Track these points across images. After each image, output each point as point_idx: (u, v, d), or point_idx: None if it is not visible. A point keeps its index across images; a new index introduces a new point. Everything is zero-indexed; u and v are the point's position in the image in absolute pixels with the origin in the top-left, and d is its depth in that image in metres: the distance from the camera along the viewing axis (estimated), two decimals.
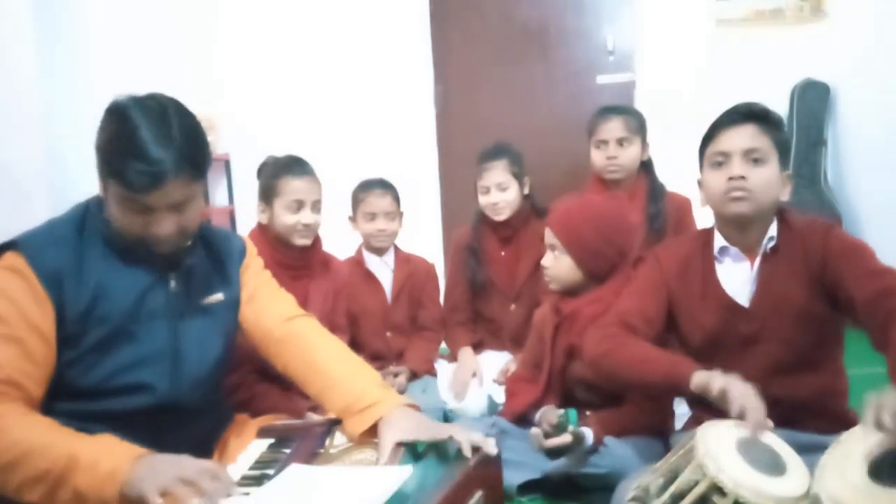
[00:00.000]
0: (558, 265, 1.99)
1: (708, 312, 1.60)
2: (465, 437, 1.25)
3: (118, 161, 1.23)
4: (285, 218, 2.13)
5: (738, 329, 1.58)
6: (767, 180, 1.55)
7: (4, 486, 1.17)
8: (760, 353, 1.56)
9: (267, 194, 2.18)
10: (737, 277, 1.60)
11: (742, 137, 1.56)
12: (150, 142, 1.22)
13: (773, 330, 1.55)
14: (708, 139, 1.62)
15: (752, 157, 1.55)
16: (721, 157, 1.58)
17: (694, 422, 1.61)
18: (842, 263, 1.50)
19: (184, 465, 1.14)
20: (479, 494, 1.16)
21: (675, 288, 1.66)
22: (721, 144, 1.58)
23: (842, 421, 1.55)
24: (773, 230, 1.59)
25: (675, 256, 1.69)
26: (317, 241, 2.24)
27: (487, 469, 1.24)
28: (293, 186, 2.13)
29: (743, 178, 1.53)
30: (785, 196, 1.59)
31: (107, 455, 1.14)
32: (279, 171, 2.18)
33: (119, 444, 1.18)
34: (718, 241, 1.63)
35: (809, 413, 1.54)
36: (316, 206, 2.17)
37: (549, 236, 2.01)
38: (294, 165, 2.19)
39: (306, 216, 2.14)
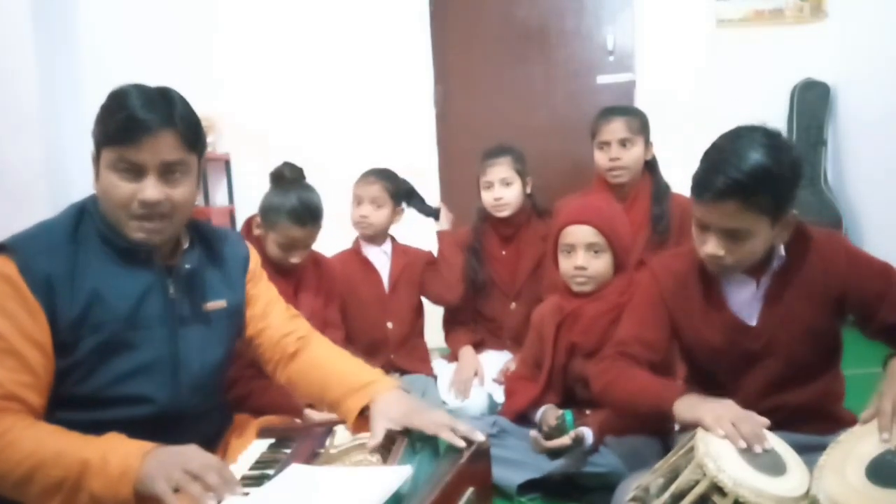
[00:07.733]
0: (601, 263, 1.97)
1: (713, 330, 1.55)
2: (450, 433, 1.23)
3: (109, 121, 1.23)
4: (275, 251, 2.10)
5: (744, 346, 1.54)
6: (751, 252, 1.44)
7: (24, 498, 1.16)
8: (763, 367, 1.53)
9: (266, 219, 2.10)
10: (742, 296, 1.54)
11: (722, 216, 1.40)
12: (143, 97, 1.24)
13: (779, 347, 1.52)
14: (692, 193, 1.46)
15: (733, 237, 1.42)
16: (702, 225, 1.46)
17: None
18: (868, 287, 1.46)
19: (189, 456, 1.13)
20: (470, 491, 1.15)
21: (673, 305, 1.60)
22: (702, 214, 1.44)
23: (837, 421, 1.54)
24: (781, 250, 1.51)
25: (670, 273, 1.62)
26: None
27: (478, 465, 1.23)
28: (292, 233, 2.07)
29: (721, 256, 1.43)
30: (782, 239, 1.48)
31: (115, 455, 1.13)
32: (283, 213, 2.05)
33: (125, 442, 1.16)
34: None
35: (805, 416, 1.53)
36: (307, 247, 2.14)
37: (590, 235, 1.96)
38: (302, 213, 2.06)
39: (296, 256, 2.11)
